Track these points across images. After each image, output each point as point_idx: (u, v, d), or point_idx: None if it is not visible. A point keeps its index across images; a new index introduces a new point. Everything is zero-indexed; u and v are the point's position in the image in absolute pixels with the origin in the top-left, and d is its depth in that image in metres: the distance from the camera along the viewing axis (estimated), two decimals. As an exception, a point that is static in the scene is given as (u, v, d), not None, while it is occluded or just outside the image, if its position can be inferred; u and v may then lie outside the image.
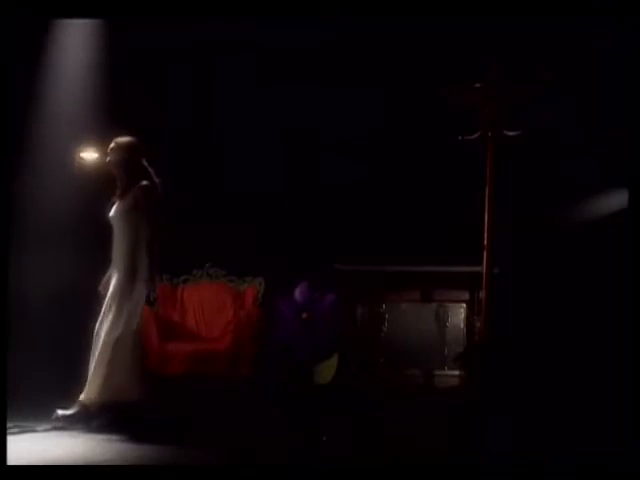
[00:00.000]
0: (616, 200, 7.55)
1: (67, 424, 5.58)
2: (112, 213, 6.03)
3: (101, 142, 7.90)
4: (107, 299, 5.87)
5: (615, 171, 7.36)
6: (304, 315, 6.52)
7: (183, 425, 5.83)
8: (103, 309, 5.87)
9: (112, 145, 6.09)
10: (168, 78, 8.04)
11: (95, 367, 5.73)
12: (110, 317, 5.79)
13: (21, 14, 5.74)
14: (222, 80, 8.10)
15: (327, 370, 6.50)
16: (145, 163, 6.04)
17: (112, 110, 7.62)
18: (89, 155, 7.99)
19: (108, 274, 6.05)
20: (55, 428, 5.59)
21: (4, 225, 5.26)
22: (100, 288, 6.06)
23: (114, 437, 5.40)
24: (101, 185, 7.04)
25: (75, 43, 7.73)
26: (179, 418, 5.99)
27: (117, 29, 7.52)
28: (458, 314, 7.83)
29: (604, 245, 7.35)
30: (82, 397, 5.70)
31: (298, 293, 6.73)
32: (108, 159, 6.09)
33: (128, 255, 5.88)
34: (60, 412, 5.64)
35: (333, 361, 6.54)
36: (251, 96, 8.02)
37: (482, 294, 7.08)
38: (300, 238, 7.88)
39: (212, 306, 7.81)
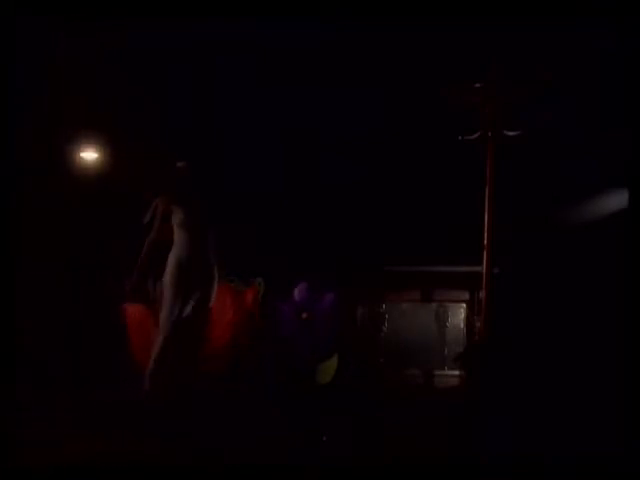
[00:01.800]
0: (616, 200, 7.55)
1: None
2: (174, 222, 6.10)
3: (101, 142, 7.91)
4: (180, 297, 5.98)
5: (615, 171, 7.36)
6: (304, 315, 6.51)
7: (183, 425, 5.83)
8: (174, 304, 5.97)
9: (181, 164, 6.16)
10: (168, 78, 8.05)
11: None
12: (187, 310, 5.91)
13: (21, 14, 5.74)
14: (222, 80, 8.10)
15: (327, 370, 6.50)
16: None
17: (112, 110, 7.62)
18: (89, 155, 7.99)
19: (139, 274, 6.09)
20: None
21: (7, 224, 5.25)
22: (132, 287, 6.11)
23: (114, 437, 5.40)
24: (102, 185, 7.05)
25: (75, 43, 7.73)
26: (179, 418, 5.98)
27: (117, 29, 7.52)
28: (458, 314, 7.85)
29: (604, 245, 7.35)
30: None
31: (298, 293, 6.73)
32: (180, 177, 6.14)
33: (199, 261, 5.99)
34: None
35: (333, 361, 6.54)
36: (251, 96, 8.02)
37: (482, 294, 7.09)
38: (300, 238, 7.88)
39: (212, 306, 7.79)
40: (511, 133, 6.93)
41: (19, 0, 5.67)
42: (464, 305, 7.82)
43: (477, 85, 6.98)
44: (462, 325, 7.83)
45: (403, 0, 6.45)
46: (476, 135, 6.97)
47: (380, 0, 6.51)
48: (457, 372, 7.56)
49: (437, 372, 7.70)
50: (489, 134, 6.96)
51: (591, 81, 7.44)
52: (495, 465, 4.81)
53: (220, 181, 8.20)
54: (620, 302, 6.20)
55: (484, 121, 6.99)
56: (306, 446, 5.31)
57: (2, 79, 5.32)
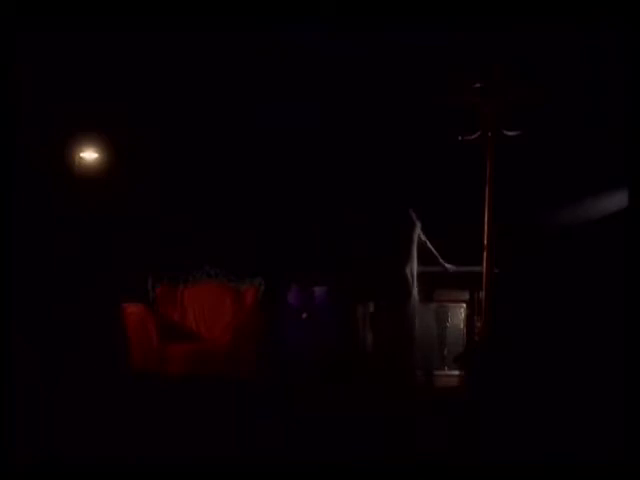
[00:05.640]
0: (616, 200, 7.55)
1: None
2: None
3: (101, 142, 7.92)
4: None
5: (615, 171, 7.36)
6: (304, 315, 6.53)
7: (183, 425, 5.83)
8: None
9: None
10: (168, 78, 8.04)
11: None
12: None
13: (21, 14, 5.74)
14: (222, 80, 8.10)
15: (330, 370, 6.51)
16: None
17: (112, 110, 7.62)
18: (89, 155, 7.98)
19: None
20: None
21: (7, 224, 5.26)
22: None
23: (114, 437, 5.40)
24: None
25: (75, 43, 7.72)
26: (179, 418, 5.99)
27: (118, 29, 7.51)
28: (458, 314, 7.83)
29: (604, 245, 7.35)
30: None
31: (297, 293, 6.74)
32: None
33: None
34: None
35: (334, 361, 6.54)
36: (251, 97, 8.02)
37: (482, 294, 7.09)
38: (300, 238, 7.88)
39: (212, 306, 7.80)
40: (511, 133, 6.92)
41: (19, 0, 5.68)
42: (464, 305, 7.81)
43: (477, 85, 6.98)
44: (462, 325, 7.81)
45: (403, 0, 6.46)
46: (476, 135, 6.96)
47: (380, 0, 6.52)
48: (457, 372, 7.55)
49: (437, 372, 7.69)
50: (489, 134, 6.95)
51: (591, 81, 7.44)
52: (495, 465, 4.81)
53: (220, 181, 8.22)
54: (620, 302, 6.20)
55: (484, 121, 6.99)
56: (306, 446, 5.31)
57: (2, 79, 5.32)
